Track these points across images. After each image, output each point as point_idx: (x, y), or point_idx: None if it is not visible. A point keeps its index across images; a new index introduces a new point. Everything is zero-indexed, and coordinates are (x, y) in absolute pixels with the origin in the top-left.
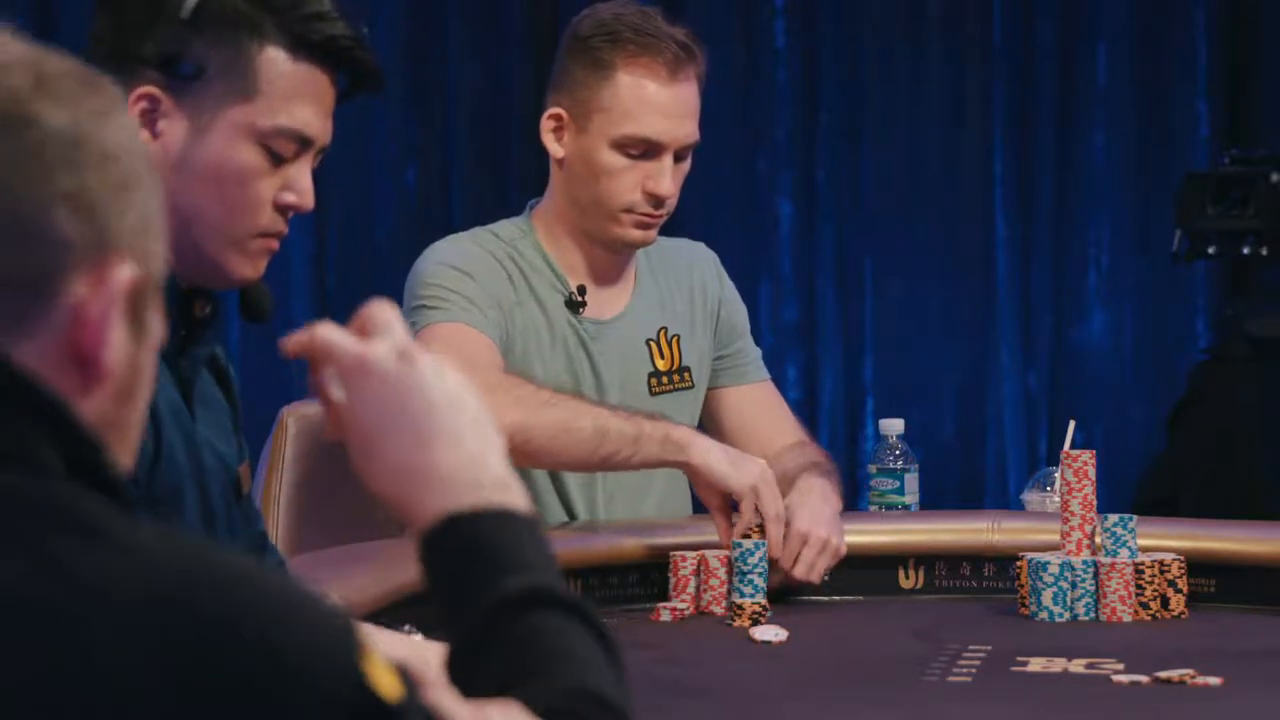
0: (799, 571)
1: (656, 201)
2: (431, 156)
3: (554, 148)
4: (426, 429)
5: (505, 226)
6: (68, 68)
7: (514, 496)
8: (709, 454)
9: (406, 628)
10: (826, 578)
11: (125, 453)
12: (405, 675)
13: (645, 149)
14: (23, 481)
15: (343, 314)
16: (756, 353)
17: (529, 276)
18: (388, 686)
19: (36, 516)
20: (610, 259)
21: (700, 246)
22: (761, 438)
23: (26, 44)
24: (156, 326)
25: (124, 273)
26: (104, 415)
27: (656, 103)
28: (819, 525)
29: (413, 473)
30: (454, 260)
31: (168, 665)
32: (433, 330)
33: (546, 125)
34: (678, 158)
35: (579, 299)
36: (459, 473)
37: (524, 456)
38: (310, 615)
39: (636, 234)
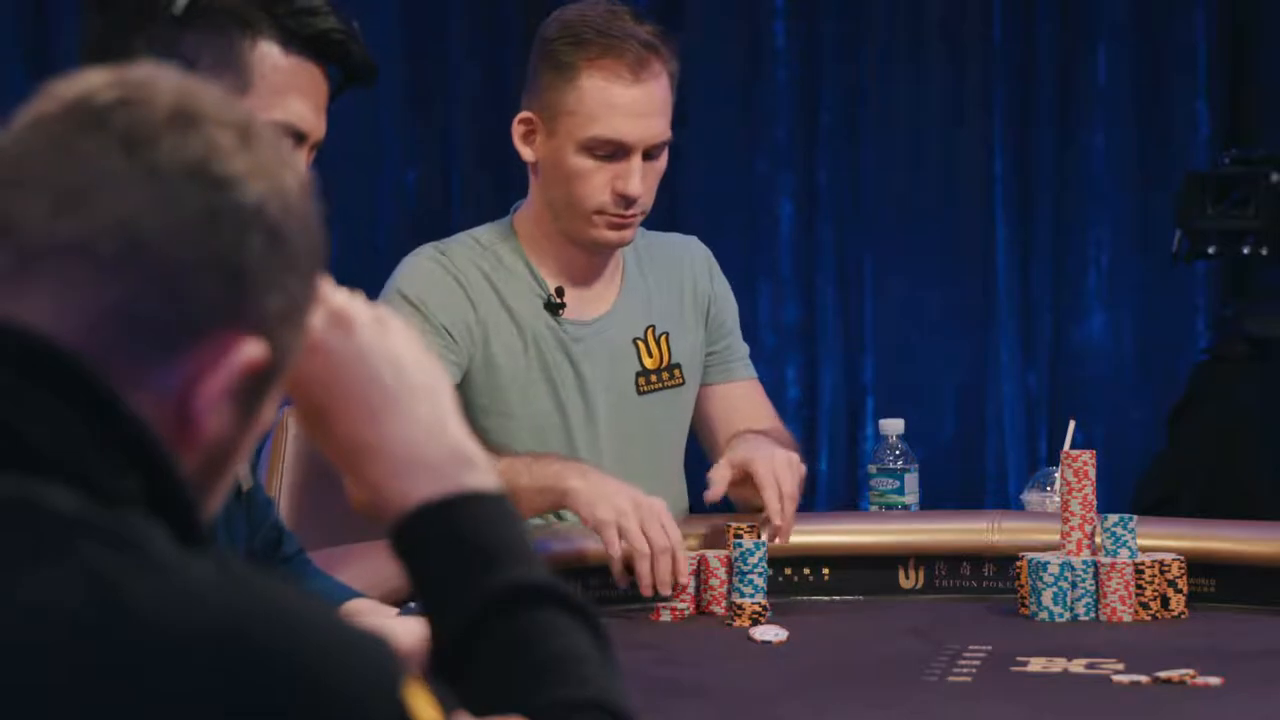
0: (785, 489)
1: (627, 202)
2: (431, 156)
3: (525, 152)
4: (374, 402)
5: (487, 231)
6: (268, 129)
7: (479, 474)
8: (578, 496)
9: (412, 606)
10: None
11: (202, 515)
12: (445, 705)
13: (612, 150)
14: (95, 507)
15: None
16: (744, 350)
17: (502, 283)
18: (428, 717)
19: (100, 541)
20: (591, 260)
21: (693, 241)
22: None
23: (222, 93)
24: (268, 414)
25: (250, 351)
26: (188, 476)
27: (621, 103)
28: (763, 449)
29: (367, 451)
30: (409, 288)
31: (213, 696)
32: None
33: (517, 130)
34: (649, 156)
35: (558, 301)
36: (417, 451)
37: None
38: (354, 646)
39: (611, 235)
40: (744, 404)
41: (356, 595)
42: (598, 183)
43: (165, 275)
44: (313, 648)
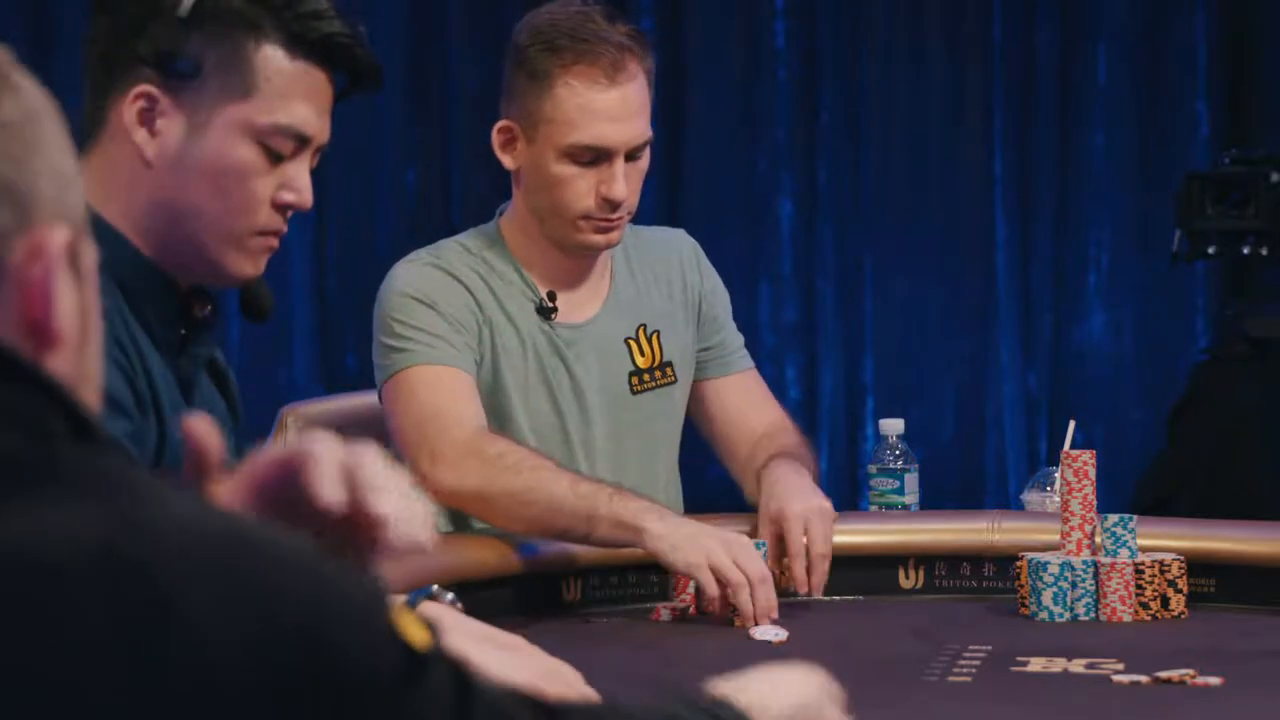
0: (816, 549)
1: (612, 205)
2: (431, 156)
3: (506, 160)
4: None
5: (474, 236)
6: None
7: None
8: (659, 540)
9: (435, 588)
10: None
11: (92, 399)
12: (432, 626)
13: (594, 156)
14: (73, 452)
15: (343, 313)
16: (739, 341)
17: (496, 288)
18: (417, 636)
19: (106, 487)
20: (578, 263)
21: (680, 235)
22: (746, 428)
23: None
24: (90, 257)
25: (57, 237)
26: (66, 374)
27: (598, 109)
28: (797, 500)
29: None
30: (415, 290)
31: (218, 620)
32: (409, 376)
33: (497, 139)
34: (631, 157)
35: (550, 305)
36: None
37: (486, 520)
38: (343, 572)
39: (598, 239)
40: (746, 396)
41: None
42: (581, 188)
43: None
44: (306, 574)
